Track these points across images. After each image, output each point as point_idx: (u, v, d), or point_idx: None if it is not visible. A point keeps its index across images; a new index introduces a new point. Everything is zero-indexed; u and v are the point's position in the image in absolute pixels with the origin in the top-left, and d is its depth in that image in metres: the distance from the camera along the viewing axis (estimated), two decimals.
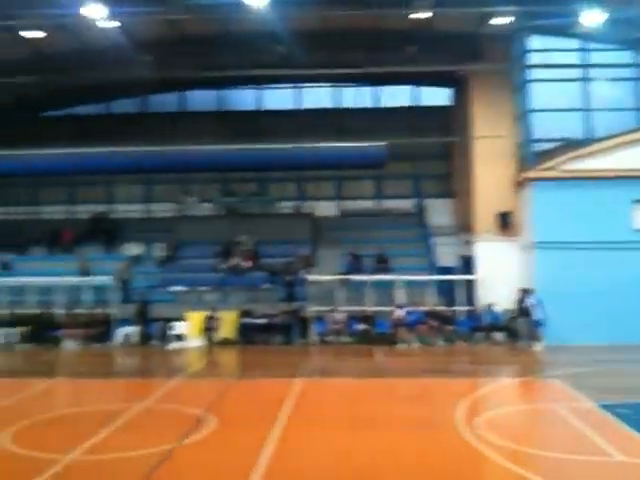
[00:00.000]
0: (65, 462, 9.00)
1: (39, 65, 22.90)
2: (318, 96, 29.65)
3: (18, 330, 21.69)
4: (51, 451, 9.37)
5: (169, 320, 21.50)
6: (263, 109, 29.71)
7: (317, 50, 22.72)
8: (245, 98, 30.14)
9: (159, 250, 25.38)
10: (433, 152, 27.93)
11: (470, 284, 22.76)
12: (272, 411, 11.67)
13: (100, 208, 28.68)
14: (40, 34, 21.20)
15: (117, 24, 19.88)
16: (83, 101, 29.72)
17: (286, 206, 28.29)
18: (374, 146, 22.78)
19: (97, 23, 19.39)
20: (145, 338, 21.41)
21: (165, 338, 21.25)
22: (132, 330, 21.52)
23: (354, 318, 21.56)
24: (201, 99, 29.96)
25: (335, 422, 11.23)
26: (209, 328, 21.20)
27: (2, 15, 19.07)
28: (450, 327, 21.16)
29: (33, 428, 10.95)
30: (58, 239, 26.36)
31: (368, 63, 23.43)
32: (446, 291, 22.65)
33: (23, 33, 21.06)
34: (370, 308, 21.77)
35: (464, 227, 25.23)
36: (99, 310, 22.27)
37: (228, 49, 22.79)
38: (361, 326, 21.37)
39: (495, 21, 21.05)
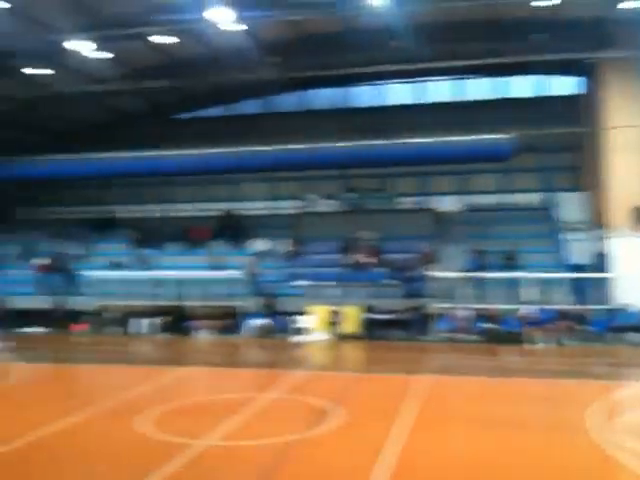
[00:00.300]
0: (199, 448, 9.52)
1: (169, 71, 24.09)
2: (439, 89, 29.25)
3: (158, 320, 23.20)
4: (187, 436, 9.94)
5: (295, 314, 22.13)
6: (384, 105, 29.69)
7: (437, 43, 22.32)
8: (366, 94, 30.25)
9: (284, 246, 26.08)
10: (561, 143, 26.64)
11: (605, 282, 21.58)
12: (397, 407, 11.70)
13: (228, 206, 29.88)
14: (172, 40, 22.25)
15: (243, 27, 20.56)
16: (208, 104, 31.03)
17: (408, 201, 28.11)
18: (499, 139, 22.11)
19: (223, 27, 20.13)
20: (272, 330, 22.14)
21: (291, 331, 21.87)
22: (260, 322, 22.35)
23: (480, 316, 21.10)
24: (322, 97, 30.39)
25: (460, 420, 11.07)
26: (334, 322, 21.59)
27: (137, 22, 20.21)
28: (583, 327, 20.21)
29: (170, 414, 11.66)
30: (190, 235, 27.81)
31: (490, 54, 22.73)
32: (579, 289, 21.60)
33: (156, 39, 22.18)
34: (495, 306, 21.20)
35: (598, 222, 23.93)
36: (229, 303, 23.32)
37: (348, 46, 22.92)
38: (487, 324, 20.88)
39: (625, 5, 19.73)
